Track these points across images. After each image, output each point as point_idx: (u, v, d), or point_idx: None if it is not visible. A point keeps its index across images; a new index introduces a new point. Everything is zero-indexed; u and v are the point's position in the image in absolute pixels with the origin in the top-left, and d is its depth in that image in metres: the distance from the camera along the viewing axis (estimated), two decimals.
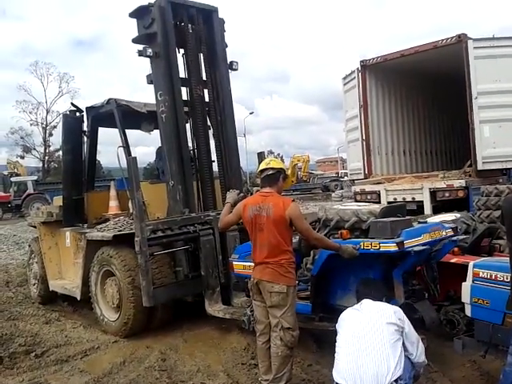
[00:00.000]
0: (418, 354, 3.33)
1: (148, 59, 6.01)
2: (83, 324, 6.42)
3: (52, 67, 50.91)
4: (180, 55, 6.38)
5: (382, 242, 3.94)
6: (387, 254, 4.01)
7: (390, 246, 3.89)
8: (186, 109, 6.35)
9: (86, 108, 7.28)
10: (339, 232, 4.38)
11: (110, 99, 6.71)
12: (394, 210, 4.60)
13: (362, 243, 4.04)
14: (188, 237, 5.75)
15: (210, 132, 6.60)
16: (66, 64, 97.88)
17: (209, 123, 6.60)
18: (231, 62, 6.70)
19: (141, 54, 5.96)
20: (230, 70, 6.67)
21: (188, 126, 6.42)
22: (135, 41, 6.12)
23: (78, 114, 7.31)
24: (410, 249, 3.96)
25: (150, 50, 5.92)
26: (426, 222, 4.61)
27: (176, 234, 5.68)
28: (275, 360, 3.94)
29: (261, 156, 6.75)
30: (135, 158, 5.47)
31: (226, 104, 6.57)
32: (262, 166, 4.21)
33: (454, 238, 4.61)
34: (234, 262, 5.16)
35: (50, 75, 50.20)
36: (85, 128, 7.33)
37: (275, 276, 3.92)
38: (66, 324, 6.50)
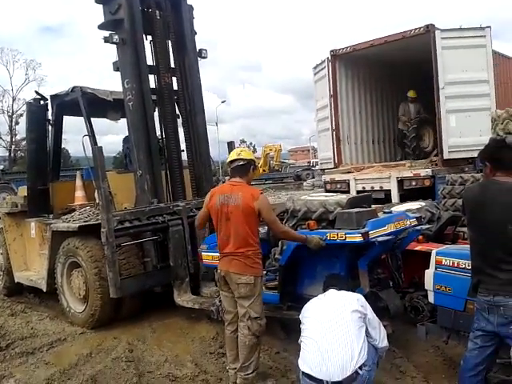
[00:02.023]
0: (381, 338, 3.40)
1: (115, 46, 5.88)
2: (49, 316, 6.34)
3: (18, 54, 49.45)
4: (147, 42, 6.26)
5: (348, 233, 4.00)
6: (353, 245, 4.06)
7: (356, 237, 3.95)
8: (153, 97, 6.26)
9: (51, 96, 7.11)
10: (306, 223, 4.42)
11: (74, 87, 6.56)
12: (360, 200, 4.65)
13: (328, 234, 4.09)
14: (156, 227, 5.70)
15: (179, 121, 6.54)
16: (32, 51, 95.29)
17: (178, 112, 6.53)
18: (200, 50, 6.61)
19: (107, 40, 5.82)
20: (199, 58, 6.58)
21: (156, 114, 6.34)
22: (101, 27, 5.97)
23: (42, 102, 7.13)
24: (374, 239, 4.02)
25: (116, 37, 5.80)
26: (390, 212, 4.67)
27: (144, 225, 5.62)
28: (243, 349, 3.96)
29: (231, 145, 6.72)
30: (101, 147, 5.36)
31: (195, 92, 6.49)
32: (233, 156, 4.17)
33: (418, 228, 4.68)
34: (203, 253, 5.15)
35: (16, 62, 48.68)
36: (49, 117, 7.16)
37: (242, 267, 3.92)
38: (31, 316, 6.41)
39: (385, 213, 4.63)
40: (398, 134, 12.18)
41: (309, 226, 4.32)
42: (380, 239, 4.03)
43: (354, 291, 4.24)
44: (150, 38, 6.30)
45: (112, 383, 4.25)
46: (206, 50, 6.66)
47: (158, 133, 6.34)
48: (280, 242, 4.88)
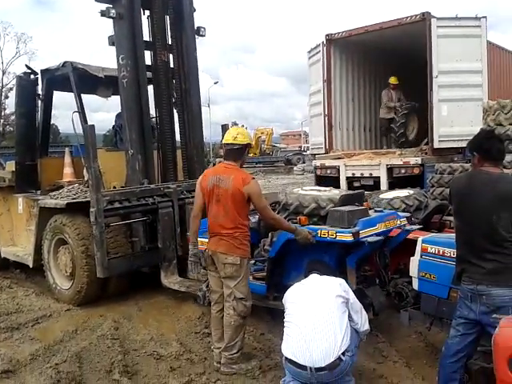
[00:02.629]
0: (363, 322, 3.45)
1: (110, 20, 5.73)
2: (35, 292, 6.34)
3: (9, 27, 48.69)
4: (145, 17, 6.13)
5: (339, 232, 4.03)
6: (343, 243, 4.09)
7: (346, 236, 3.98)
8: (149, 74, 6.16)
9: (41, 70, 6.99)
10: (298, 218, 4.43)
11: (65, 62, 6.46)
12: (352, 198, 4.66)
13: (319, 231, 4.12)
14: (146, 208, 5.68)
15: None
16: (23, 24, 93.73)
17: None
18: (198, 28, 6.47)
19: (103, 14, 5.67)
20: (196, 36, 6.45)
21: (150, 92, 6.24)
22: (99, 0, 5.79)
23: (32, 76, 7.02)
24: (364, 239, 4.05)
25: (113, 11, 5.65)
26: (381, 211, 4.70)
27: (134, 206, 5.60)
28: (228, 329, 4.00)
29: (224, 128, 6.68)
30: (93, 125, 5.27)
31: (192, 71, 6.37)
32: (229, 139, 4.09)
33: (408, 228, 4.72)
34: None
35: (6, 35, 47.90)
36: (39, 91, 7.06)
37: (229, 248, 3.94)
38: (17, 291, 6.42)
39: (376, 211, 4.67)
40: (382, 122, 12.03)
41: (300, 222, 4.33)
42: (370, 239, 4.07)
43: None
44: (147, 12, 6.17)
45: (97, 360, 4.26)
46: (204, 28, 6.52)
47: (152, 111, 6.27)
48: (270, 234, 4.90)
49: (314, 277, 3.65)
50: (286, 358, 3.25)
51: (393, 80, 11.58)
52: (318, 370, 3.10)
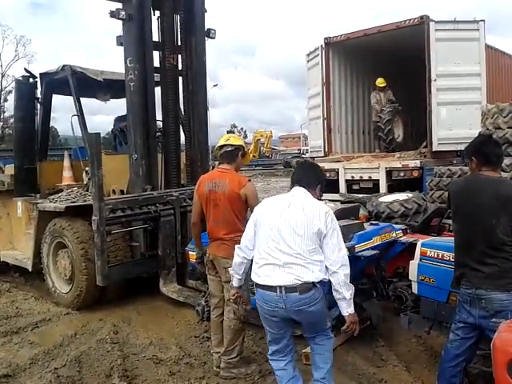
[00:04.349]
0: (335, 259, 3.03)
1: (113, 21, 5.68)
2: (35, 296, 6.34)
3: (8, 29, 48.72)
4: (155, 18, 6.09)
5: None
6: None
7: None
8: (156, 75, 6.12)
9: (40, 74, 7.01)
10: None
11: (64, 65, 6.47)
12: (347, 212, 4.70)
13: None
14: (148, 216, 5.67)
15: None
16: (22, 27, 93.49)
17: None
18: (209, 30, 6.40)
19: (113, 15, 5.62)
20: (206, 38, 6.37)
21: (157, 94, 6.19)
22: None
23: (31, 79, 7.03)
24: (360, 254, 4.08)
25: (123, 13, 5.60)
26: (377, 224, 4.72)
27: (136, 214, 5.58)
28: (227, 333, 4.00)
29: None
30: (98, 134, 5.20)
31: (199, 74, 6.31)
32: (221, 141, 4.18)
33: (404, 240, 4.72)
34: (190, 252, 5.17)
35: (6, 38, 48.12)
36: (38, 95, 7.07)
37: (230, 252, 3.92)
38: (17, 295, 6.41)
39: (371, 224, 4.69)
40: (373, 126, 11.86)
41: None
42: (366, 254, 4.10)
43: None
44: (157, 13, 6.11)
45: (96, 364, 4.26)
46: (214, 30, 6.44)
47: (158, 113, 6.22)
48: None
49: (298, 195, 3.24)
50: (257, 284, 3.13)
51: (380, 82, 11.49)
52: (288, 290, 2.97)
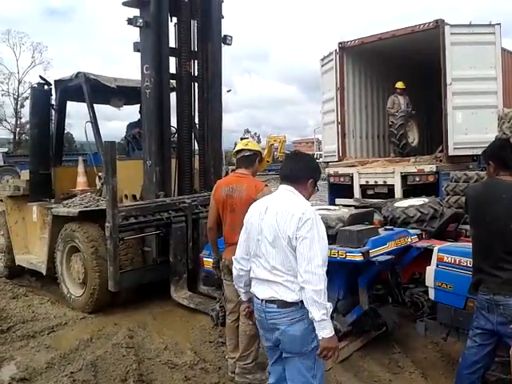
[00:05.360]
0: (304, 272, 2.59)
1: (127, 27, 5.75)
2: (51, 300, 6.39)
3: (25, 36, 49.18)
4: (172, 24, 6.13)
5: (349, 252, 4.01)
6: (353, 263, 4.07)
7: (356, 256, 3.97)
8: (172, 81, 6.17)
9: (55, 81, 7.14)
10: None
11: (78, 73, 6.57)
12: (361, 216, 4.65)
13: (329, 251, 4.08)
14: (160, 223, 5.70)
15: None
16: (39, 34, 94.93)
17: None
18: (225, 36, 6.41)
19: (130, 22, 5.69)
20: (223, 44, 6.40)
21: (172, 99, 6.23)
22: (126, 4, 5.81)
23: (46, 87, 7.14)
24: (374, 259, 4.04)
25: (140, 21, 5.66)
26: (392, 229, 4.68)
27: (148, 221, 5.62)
28: (243, 338, 3.99)
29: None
30: (114, 142, 5.27)
31: (215, 80, 6.34)
32: (240, 146, 4.21)
33: (419, 245, 4.68)
34: (205, 258, 5.19)
35: (22, 45, 48.52)
36: (53, 101, 7.18)
37: None
38: (33, 299, 6.46)
39: (386, 229, 4.64)
40: (389, 130, 11.68)
41: None
42: (380, 259, 4.06)
43: (353, 307, 4.32)
44: (174, 19, 6.15)
45: (112, 369, 4.27)
46: (231, 37, 6.43)
47: (172, 119, 6.25)
48: None
49: (278, 196, 2.90)
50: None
51: (399, 85, 11.41)
52: (268, 301, 2.74)
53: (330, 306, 2.60)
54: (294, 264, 2.67)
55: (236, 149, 4.25)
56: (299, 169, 2.89)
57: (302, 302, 2.64)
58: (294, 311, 2.68)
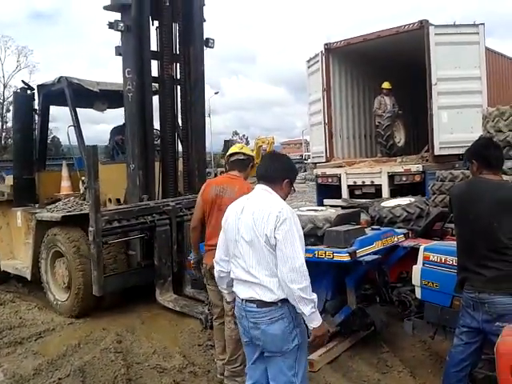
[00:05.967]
0: (283, 272, 2.61)
1: (111, 30, 5.72)
2: (38, 306, 6.34)
3: (10, 40, 48.92)
4: (153, 27, 6.13)
5: (336, 252, 4.04)
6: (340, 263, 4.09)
7: (343, 256, 4.00)
8: (154, 84, 6.15)
9: (37, 86, 7.13)
10: None
11: (61, 77, 6.57)
12: (348, 217, 4.67)
13: (316, 252, 4.11)
14: (144, 226, 5.68)
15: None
16: (24, 37, 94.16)
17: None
18: (207, 39, 6.42)
19: (111, 27, 5.68)
20: (205, 47, 6.41)
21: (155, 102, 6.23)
22: (107, 8, 5.80)
23: (28, 91, 7.11)
24: (361, 259, 4.06)
25: (121, 25, 5.65)
26: (378, 229, 4.71)
27: (132, 225, 5.60)
28: (229, 343, 3.96)
29: (227, 144, 6.68)
30: (95, 146, 5.26)
31: (198, 83, 6.34)
32: (235, 149, 4.20)
33: (406, 245, 4.71)
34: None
35: (7, 48, 48.27)
36: (36, 106, 7.14)
37: None
38: (20, 305, 6.42)
39: (373, 229, 4.68)
40: (376, 131, 11.67)
41: None
42: (367, 259, 4.08)
43: (341, 308, 4.35)
44: (156, 23, 6.14)
45: (100, 374, 4.24)
46: (213, 40, 6.45)
47: (155, 122, 6.26)
48: None
49: (254, 195, 2.91)
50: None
51: (386, 85, 11.44)
52: (248, 301, 2.76)
53: (315, 297, 2.66)
54: (271, 263, 2.69)
55: (230, 151, 4.24)
56: (275, 169, 2.91)
57: (280, 301, 2.68)
58: (272, 311, 2.71)
